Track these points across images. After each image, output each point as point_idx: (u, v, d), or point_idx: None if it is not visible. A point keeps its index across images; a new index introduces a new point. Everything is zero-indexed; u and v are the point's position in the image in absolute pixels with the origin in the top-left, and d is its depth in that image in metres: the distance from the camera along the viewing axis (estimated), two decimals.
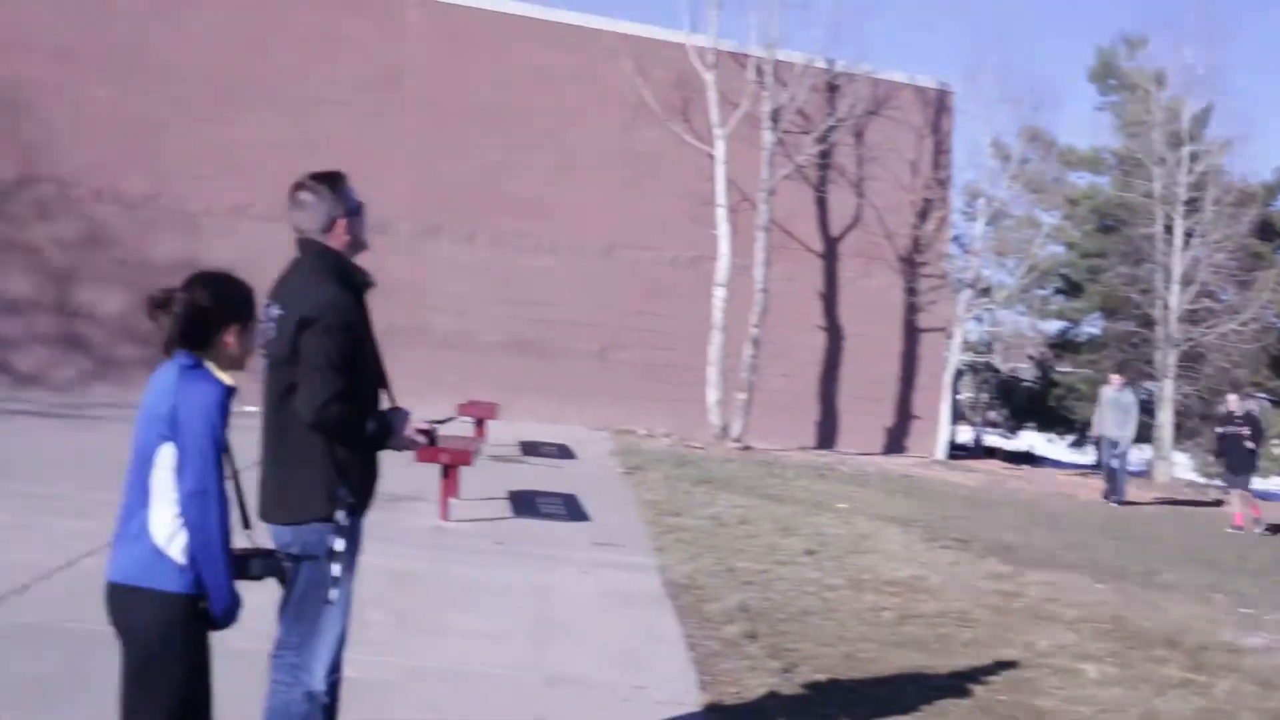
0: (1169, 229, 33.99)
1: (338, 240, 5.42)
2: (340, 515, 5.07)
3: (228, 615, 4.34)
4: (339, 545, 5.07)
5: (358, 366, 5.26)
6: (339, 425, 5.13)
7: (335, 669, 5.41)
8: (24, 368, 22.94)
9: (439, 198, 24.85)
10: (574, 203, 25.60)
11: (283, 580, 4.84)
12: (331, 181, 5.47)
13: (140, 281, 22.68)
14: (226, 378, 4.36)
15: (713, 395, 25.15)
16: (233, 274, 4.53)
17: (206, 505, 4.17)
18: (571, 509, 14.75)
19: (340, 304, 5.24)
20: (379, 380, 5.51)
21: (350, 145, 23.59)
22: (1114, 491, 24.68)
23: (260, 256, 23.09)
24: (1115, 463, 24.81)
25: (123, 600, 4.27)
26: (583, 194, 25.63)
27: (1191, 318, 33.80)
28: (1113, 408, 24.88)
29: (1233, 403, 23.13)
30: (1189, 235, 33.81)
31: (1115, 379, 25.56)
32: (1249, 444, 22.35)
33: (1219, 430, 23.40)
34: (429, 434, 5.52)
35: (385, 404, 5.54)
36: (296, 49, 24.32)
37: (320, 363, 5.12)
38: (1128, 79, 38.92)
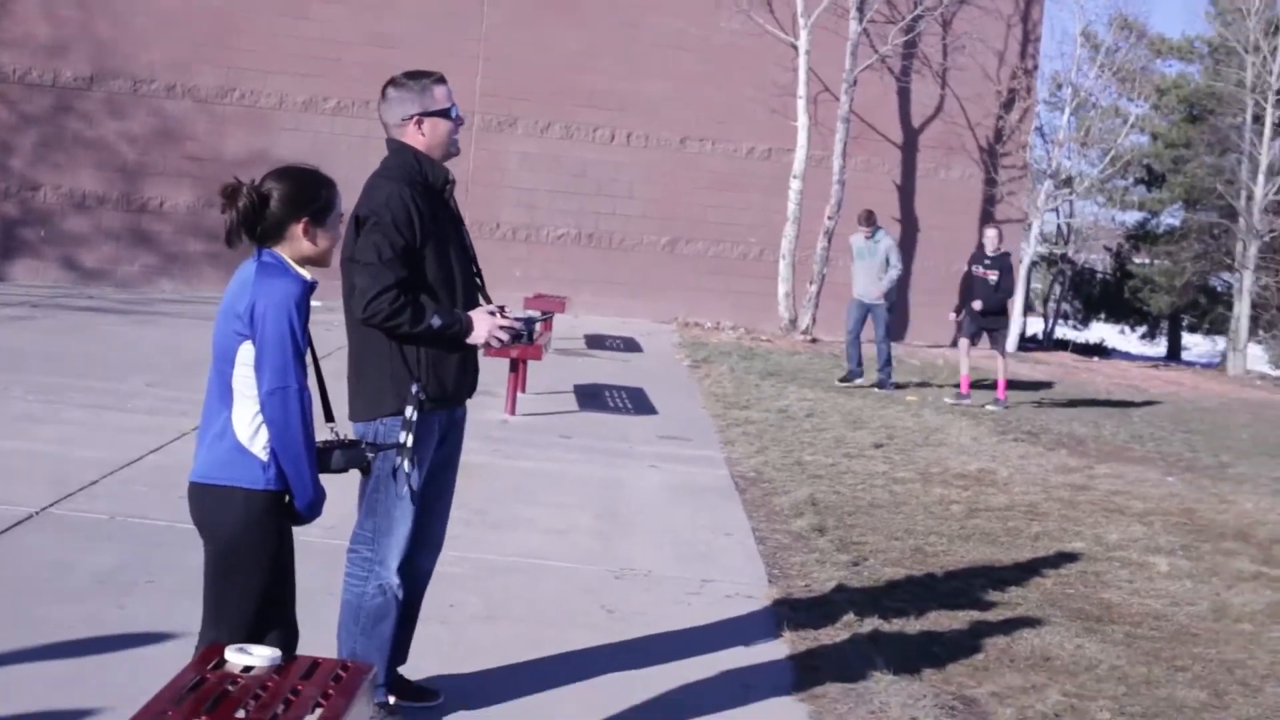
0: (1258, 119, 33.53)
1: (414, 138, 5.37)
2: (409, 411, 5.08)
3: (311, 509, 4.37)
4: (406, 440, 5.08)
5: (428, 263, 5.25)
6: (388, 320, 5.11)
7: (423, 568, 5.58)
8: (90, 263, 23.19)
9: (514, 90, 24.72)
10: (650, 94, 25.41)
11: (365, 472, 4.86)
12: (418, 78, 5.41)
13: (210, 177, 22.95)
14: (305, 273, 4.35)
15: (782, 288, 25.07)
16: (310, 168, 4.49)
17: (287, 401, 4.17)
18: (638, 402, 14.81)
19: (396, 201, 5.18)
20: (466, 277, 5.47)
21: (425, 37, 23.61)
22: (869, 367, 19.01)
23: (331, 152, 23.39)
24: (864, 336, 18.85)
25: (205, 499, 4.29)
26: (659, 85, 25.42)
27: (1275, 208, 33.42)
28: (863, 260, 18.89)
29: (989, 238, 18.18)
30: (1279, 125, 33.32)
31: (866, 230, 18.80)
32: (999, 293, 17.78)
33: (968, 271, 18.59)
34: (515, 332, 5.48)
35: (482, 302, 5.54)
36: None
37: (370, 259, 5.11)
38: None
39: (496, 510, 9.16)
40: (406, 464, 5.07)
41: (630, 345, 20.59)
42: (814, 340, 24.37)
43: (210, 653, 4.08)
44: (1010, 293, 17.77)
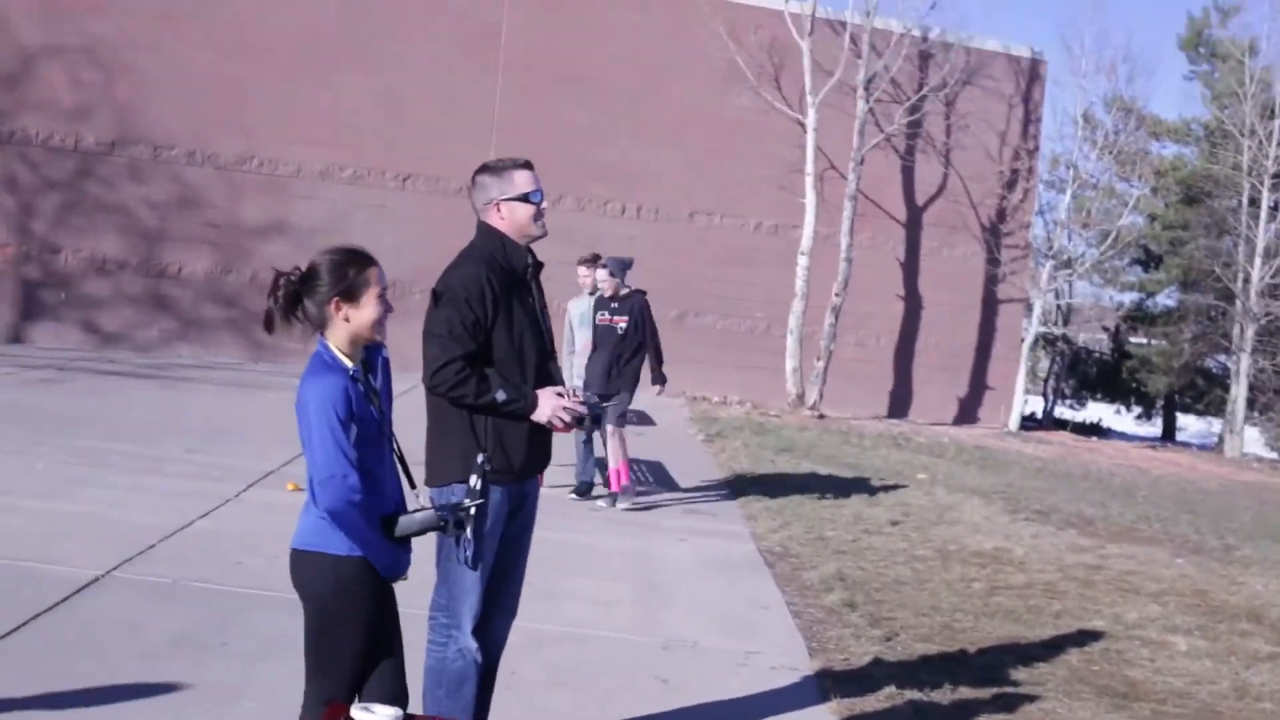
0: (1254, 201, 33.88)
1: (496, 221, 5.66)
2: (474, 480, 5.22)
3: (391, 571, 4.65)
4: (470, 508, 5.18)
5: (498, 340, 5.51)
6: (451, 390, 5.38)
7: (498, 634, 5.82)
8: (110, 327, 23.45)
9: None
10: (660, 168, 25.82)
11: (445, 531, 4.93)
12: (502, 164, 5.72)
13: (228, 243, 23.29)
14: (348, 362, 4.58)
15: (790, 363, 25.39)
16: (338, 253, 4.67)
17: (333, 491, 4.44)
18: (658, 476, 15.06)
19: (471, 279, 5.47)
20: (540, 357, 5.69)
21: (440, 108, 24.07)
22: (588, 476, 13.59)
23: (346, 220, 23.53)
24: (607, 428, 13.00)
25: (301, 564, 4.60)
26: (669, 159, 25.84)
27: (1272, 292, 33.70)
28: (587, 330, 13.55)
29: (601, 279, 13.24)
30: (1275, 208, 33.75)
31: (590, 275, 13.69)
32: (631, 347, 12.98)
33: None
34: (578, 415, 5.62)
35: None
36: (392, 10, 24.64)
37: (439, 331, 5.41)
38: (1219, 48, 38.82)
39: (540, 580, 9.35)
40: (469, 531, 5.24)
41: (642, 419, 20.76)
42: (821, 416, 24.63)
43: (335, 710, 4.33)
44: (646, 343, 13.12)
